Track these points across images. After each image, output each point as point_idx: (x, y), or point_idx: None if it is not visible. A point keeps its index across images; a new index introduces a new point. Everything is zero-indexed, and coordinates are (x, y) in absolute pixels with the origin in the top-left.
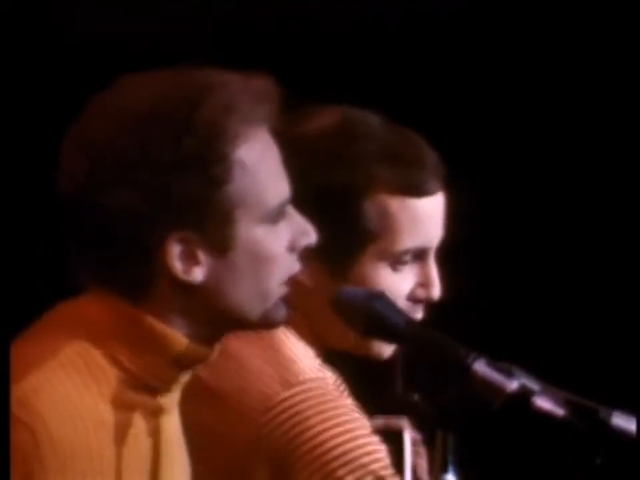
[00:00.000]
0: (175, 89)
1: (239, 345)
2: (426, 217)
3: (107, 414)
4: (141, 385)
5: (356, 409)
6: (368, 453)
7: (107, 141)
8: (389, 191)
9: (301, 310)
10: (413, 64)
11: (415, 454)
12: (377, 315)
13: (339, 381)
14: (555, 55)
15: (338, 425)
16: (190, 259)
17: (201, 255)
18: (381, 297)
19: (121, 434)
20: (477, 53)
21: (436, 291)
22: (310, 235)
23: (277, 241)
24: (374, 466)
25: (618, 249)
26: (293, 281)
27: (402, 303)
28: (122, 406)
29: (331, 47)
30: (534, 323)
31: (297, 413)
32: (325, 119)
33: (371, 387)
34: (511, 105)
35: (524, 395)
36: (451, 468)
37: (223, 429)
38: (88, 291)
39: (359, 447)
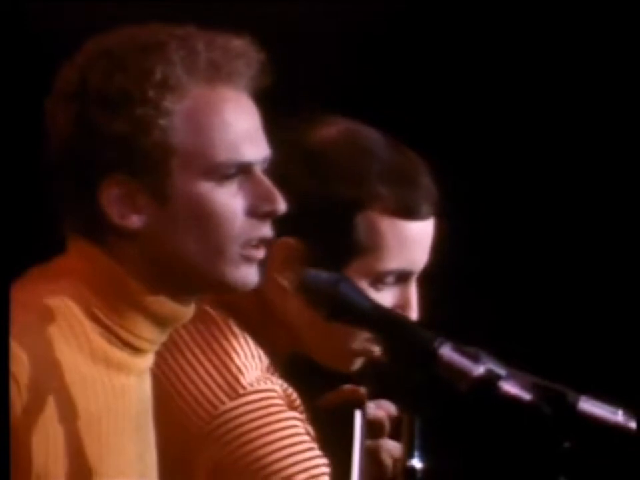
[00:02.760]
0: (135, 35)
1: (191, 341)
2: (414, 240)
3: (84, 368)
4: (117, 341)
5: (300, 422)
6: (304, 470)
7: (61, 76)
8: (383, 210)
9: (280, 310)
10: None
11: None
12: (342, 298)
13: (289, 390)
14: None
15: (278, 439)
16: (128, 204)
17: (142, 202)
18: (346, 281)
19: (97, 389)
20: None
21: (413, 316)
22: (274, 202)
23: (229, 200)
24: None
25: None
26: (276, 284)
27: None
28: (99, 361)
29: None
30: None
31: (239, 425)
32: (329, 129)
33: None
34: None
35: (490, 380)
36: (417, 453)
37: (168, 420)
38: (71, 243)
39: (297, 463)
